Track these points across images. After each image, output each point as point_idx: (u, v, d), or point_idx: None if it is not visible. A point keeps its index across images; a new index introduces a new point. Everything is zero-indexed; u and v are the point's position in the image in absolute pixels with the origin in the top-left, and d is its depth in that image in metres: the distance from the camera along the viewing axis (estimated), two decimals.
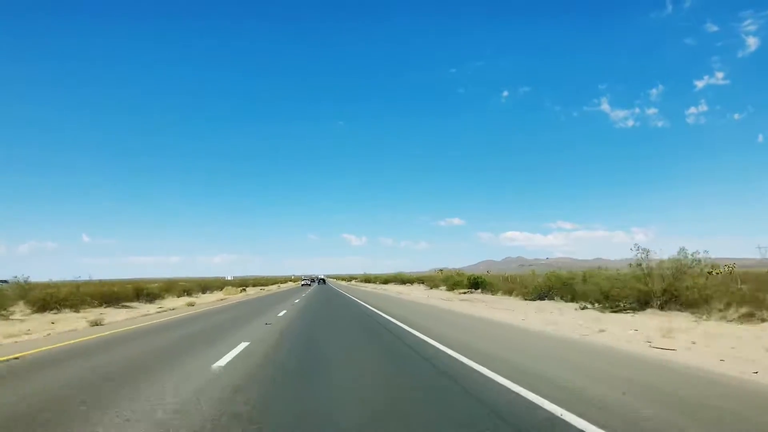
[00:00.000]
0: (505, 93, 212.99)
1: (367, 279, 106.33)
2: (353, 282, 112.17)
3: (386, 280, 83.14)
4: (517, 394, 5.41)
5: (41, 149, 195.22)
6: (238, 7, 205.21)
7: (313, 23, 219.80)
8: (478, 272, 48.19)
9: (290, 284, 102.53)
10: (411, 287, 58.29)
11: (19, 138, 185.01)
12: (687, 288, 16.10)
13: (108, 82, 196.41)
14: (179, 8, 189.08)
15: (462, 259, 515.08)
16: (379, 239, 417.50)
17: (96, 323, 15.73)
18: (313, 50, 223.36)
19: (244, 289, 59.22)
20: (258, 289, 67.96)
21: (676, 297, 16.35)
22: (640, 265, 17.63)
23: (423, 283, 61.47)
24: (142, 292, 31.28)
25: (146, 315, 20.71)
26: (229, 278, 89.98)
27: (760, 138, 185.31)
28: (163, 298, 34.06)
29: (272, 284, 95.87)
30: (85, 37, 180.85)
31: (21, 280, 24.64)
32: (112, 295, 26.41)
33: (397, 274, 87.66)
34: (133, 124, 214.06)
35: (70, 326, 15.04)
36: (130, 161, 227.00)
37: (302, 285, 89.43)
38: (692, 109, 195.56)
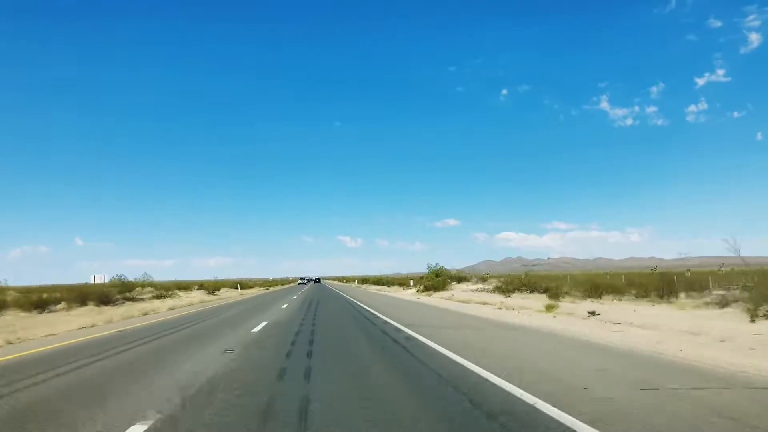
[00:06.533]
0: (504, 91, 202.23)
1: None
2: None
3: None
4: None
5: (35, 153, 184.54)
6: (232, 8, 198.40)
7: (309, 23, 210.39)
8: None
9: (256, 291, 64.29)
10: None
11: (14, 142, 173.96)
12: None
13: (102, 85, 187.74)
14: (171, 10, 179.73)
15: (461, 260, 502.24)
16: (375, 241, 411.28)
17: None
18: (309, 50, 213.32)
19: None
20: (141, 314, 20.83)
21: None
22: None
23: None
24: None
25: None
26: (100, 279, 45.15)
27: (759, 136, 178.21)
28: None
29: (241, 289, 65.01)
30: (76, 40, 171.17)
31: None
32: None
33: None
34: (128, 127, 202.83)
35: None
36: (125, 164, 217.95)
37: (299, 284, 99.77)
38: (692, 107, 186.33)
